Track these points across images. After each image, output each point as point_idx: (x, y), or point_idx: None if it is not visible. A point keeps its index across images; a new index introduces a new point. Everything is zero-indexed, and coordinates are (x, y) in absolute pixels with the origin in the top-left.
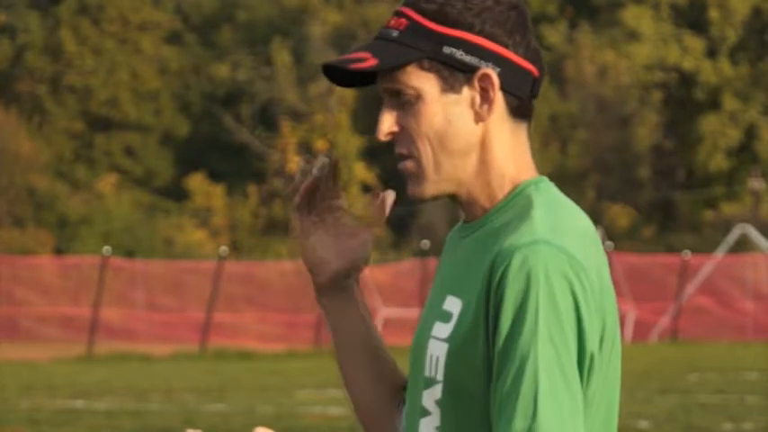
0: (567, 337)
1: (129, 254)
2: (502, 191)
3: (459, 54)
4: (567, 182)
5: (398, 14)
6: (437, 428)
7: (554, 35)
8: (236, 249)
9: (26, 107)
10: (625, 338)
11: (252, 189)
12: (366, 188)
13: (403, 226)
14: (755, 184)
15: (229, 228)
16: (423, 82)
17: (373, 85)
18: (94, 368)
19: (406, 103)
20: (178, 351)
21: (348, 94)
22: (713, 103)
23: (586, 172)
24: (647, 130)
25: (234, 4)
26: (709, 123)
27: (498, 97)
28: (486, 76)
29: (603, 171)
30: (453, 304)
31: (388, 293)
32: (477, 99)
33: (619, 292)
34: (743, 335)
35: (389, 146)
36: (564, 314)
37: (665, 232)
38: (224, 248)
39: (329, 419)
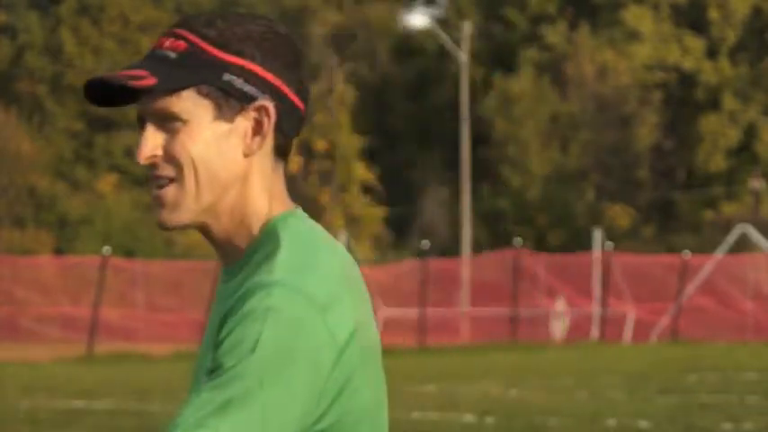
0: (288, 380)
1: (129, 254)
2: (257, 229)
3: (239, 83)
4: (567, 182)
5: (175, 36)
6: None
7: (554, 35)
8: None
9: (26, 107)
10: (625, 338)
11: None
12: (366, 188)
13: (403, 226)
14: (755, 184)
15: None
16: (197, 107)
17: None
18: (94, 368)
19: (175, 128)
20: (178, 351)
21: (348, 94)
22: (713, 103)
23: (586, 172)
24: (647, 130)
25: (234, 4)
26: (709, 123)
27: (270, 132)
28: (262, 108)
29: (603, 171)
30: None
31: (388, 293)
32: (249, 132)
33: (619, 292)
34: (743, 335)
35: (389, 146)
36: (289, 363)
37: (665, 232)
38: None
39: None
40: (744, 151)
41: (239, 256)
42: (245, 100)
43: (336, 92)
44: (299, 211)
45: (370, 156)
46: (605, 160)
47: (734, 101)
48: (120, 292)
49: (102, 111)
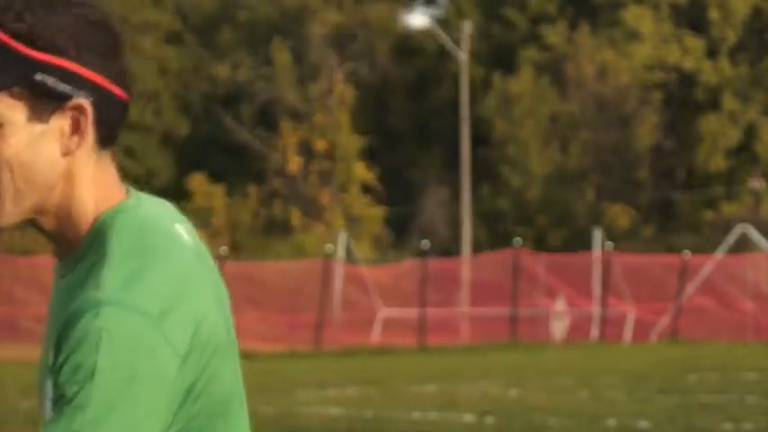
0: (138, 404)
1: None
2: (84, 226)
3: (52, 82)
4: (567, 182)
5: None
6: None
7: (554, 35)
8: (236, 249)
9: None
10: (625, 338)
11: (252, 189)
12: (366, 188)
13: (403, 226)
14: (755, 184)
15: (229, 228)
16: (8, 110)
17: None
18: None
19: None
20: None
21: (348, 94)
22: (713, 103)
23: (586, 172)
24: (647, 130)
25: (234, 4)
26: (709, 123)
27: (90, 129)
28: (78, 107)
29: (603, 171)
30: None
31: (388, 293)
32: (67, 130)
33: (619, 292)
34: (742, 335)
35: (389, 146)
36: (134, 381)
37: (665, 232)
38: (224, 248)
39: (329, 419)
40: (744, 151)
41: (73, 248)
42: (59, 99)
43: (336, 92)
44: (132, 199)
45: (370, 156)
46: (605, 160)
47: (734, 101)
48: None
49: None
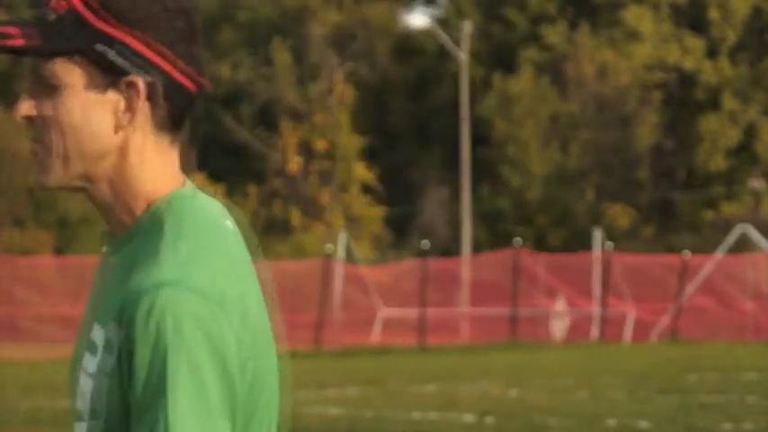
0: (206, 385)
1: None
2: (138, 208)
3: (112, 55)
4: (567, 182)
5: None
6: None
7: (554, 35)
8: None
9: None
10: (625, 338)
11: (252, 189)
12: (366, 188)
13: (403, 226)
14: (755, 184)
15: None
16: (68, 74)
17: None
18: None
19: (48, 91)
20: None
21: (348, 94)
22: (713, 103)
23: (586, 172)
24: (647, 130)
25: (234, 4)
26: (709, 123)
27: (144, 108)
28: (132, 84)
29: (603, 171)
30: (98, 334)
31: (388, 293)
32: (122, 105)
33: (619, 292)
34: (743, 335)
35: (389, 146)
36: (201, 362)
37: (665, 232)
38: None
39: (329, 419)
40: (744, 151)
41: (121, 229)
42: (118, 74)
43: (336, 92)
44: (186, 188)
45: (370, 156)
46: (605, 160)
47: (734, 101)
48: None
49: None
